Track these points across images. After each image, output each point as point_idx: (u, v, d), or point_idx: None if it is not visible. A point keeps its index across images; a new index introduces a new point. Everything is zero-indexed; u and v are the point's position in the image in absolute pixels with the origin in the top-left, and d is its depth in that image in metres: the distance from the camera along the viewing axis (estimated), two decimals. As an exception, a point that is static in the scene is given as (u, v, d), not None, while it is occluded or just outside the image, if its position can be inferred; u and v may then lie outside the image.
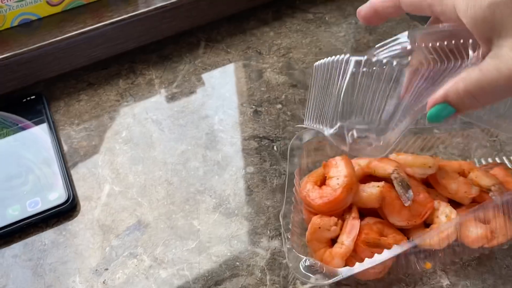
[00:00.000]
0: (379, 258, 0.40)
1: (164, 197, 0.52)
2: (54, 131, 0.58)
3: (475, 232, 0.43)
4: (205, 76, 0.66)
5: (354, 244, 0.42)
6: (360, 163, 0.47)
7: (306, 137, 0.50)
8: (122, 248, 0.48)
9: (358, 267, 0.39)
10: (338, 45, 0.69)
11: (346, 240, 0.42)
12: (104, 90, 0.65)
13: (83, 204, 0.52)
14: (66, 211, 0.50)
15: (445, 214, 0.44)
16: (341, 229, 0.43)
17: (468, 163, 0.49)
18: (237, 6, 0.72)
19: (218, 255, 0.47)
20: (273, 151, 0.56)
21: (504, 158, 0.53)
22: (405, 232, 0.44)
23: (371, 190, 0.44)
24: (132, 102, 0.63)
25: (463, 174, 0.48)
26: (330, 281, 0.39)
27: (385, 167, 0.45)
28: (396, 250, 0.40)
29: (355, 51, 0.68)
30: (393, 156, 0.48)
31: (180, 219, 0.50)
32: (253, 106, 0.61)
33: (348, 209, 0.45)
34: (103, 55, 0.65)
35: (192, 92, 0.64)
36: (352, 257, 0.42)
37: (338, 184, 0.43)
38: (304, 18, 0.75)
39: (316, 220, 0.43)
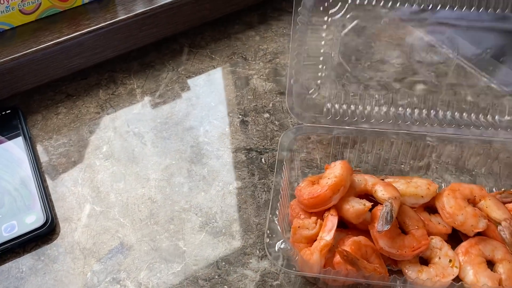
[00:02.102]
0: (349, 276, 0.40)
1: (148, 216, 0.49)
2: (31, 147, 0.55)
3: (482, 284, 0.40)
4: (189, 84, 0.64)
5: (335, 250, 0.41)
6: (368, 179, 0.46)
7: (299, 131, 0.50)
8: (104, 273, 0.45)
9: (323, 273, 0.40)
10: (326, 49, 0.66)
11: (326, 235, 0.42)
12: (83, 101, 0.62)
13: (62, 226, 0.49)
14: (45, 234, 0.48)
15: (448, 257, 0.42)
16: (320, 229, 0.43)
17: (480, 189, 0.46)
18: (221, 10, 0.70)
19: (205, 279, 0.45)
20: (261, 163, 0.54)
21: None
22: (396, 262, 0.43)
23: (356, 204, 0.43)
24: (113, 114, 0.60)
25: (473, 201, 0.45)
26: (293, 271, 0.40)
27: (384, 193, 0.44)
28: (369, 280, 0.40)
29: (344, 55, 0.66)
30: (390, 180, 0.47)
31: (164, 240, 0.48)
32: (240, 116, 0.59)
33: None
34: (82, 65, 0.63)
35: (175, 102, 0.61)
36: (330, 258, 0.42)
37: (327, 183, 0.44)
38: (291, 21, 0.72)
39: (296, 221, 0.44)
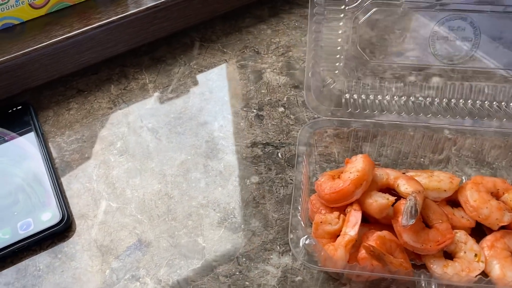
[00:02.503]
0: (375, 271, 0.39)
1: (165, 212, 0.49)
2: (44, 143, 0.54)
3: (509, 278, 0.40)
4: (201, 78, 0.63)
5: (360, 245, 0.41)
6: (390, 173, 0.45)
7: (316, 125, 0.50)
8: (123, 271, 0.45)
9: (349, 268, 0.40)
10: (342, 41, 0.66)
11: (350, 230, 0.41)
12: (95, 97, 0.61)
13: (78, 223, 0.48)
14: (61, 231, 0.47)
15: (474, 252, 0.41)
16: (343, 224, 0.43)
17: (503, 182, 0.46)
18: (231, 3, 0.69)
19: (226, 275, 0.44)
20: (277, 158, 0.53)
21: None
22: (420, 257, 0.43)
23: (379, 199, 0.43)
24: (125, 109, 0.59)
25: (496, 194, 0.45)
26: (318, 267, 0.40)
27: (407, 187, 0.43)
28: (395, 275, 0.39)
29: (359, 47, 0.65)
30: (412, 174, 0.46)
31: (183, 236, 0.47)
32: (254, 110, 0.58)
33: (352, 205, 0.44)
34: (93, 60, 0.62)
35: (188, 96, 0.61)
36: (353, 254, 0.42)
37: (349, 177, 0.43)
38: (302, 14, 0.71)
39: (318, 216, 0.43)
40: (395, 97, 0.52)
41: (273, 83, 0.61)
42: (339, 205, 0.44)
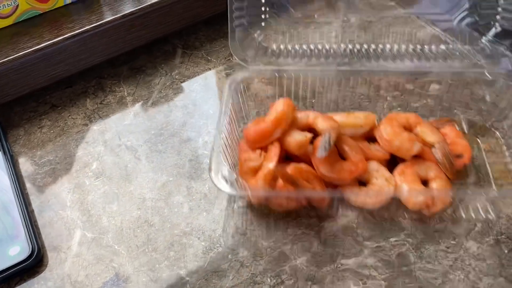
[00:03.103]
0: (291, 194, 0.43)
1: (145, 242, 0.45)
2: (13, 166, 0.50)
3: (416, 198, 0.44)
4: (184, 89, 0.59)
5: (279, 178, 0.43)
6: (310, 114, 0.48)
7: (244, 73, 0.51)
8: (99, 310, 0.41)
9: (268, 192, 0.43)
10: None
11: (269, 163, 0.44)
12: (69, 112, 0.57)
13: (50, 257, 0.44)
14: (31, 267, 0.43)
15: (385, 177, 0.45)
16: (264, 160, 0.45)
17: (416, 117, 0.49)
18: (215, 7, 0.64)
19: (212, 314, 0.40)
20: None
21: (462, 120, 0.53)
22: (338, 187, 0.45)
23: (297, 136, 0.46)
24: (102, 126, 0.55)
25: (409, 128, 0.48)
26: (237, 193, 0.43)
27: (323, 124, 0.46)
28: (310, 193, 0.44)
29: (350, 52, 0.61)
30: (330, 114, 0.49)
31: (164, 269, 0.43)
32: (241, 124, 0.54)
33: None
34: (66, 73, 0.57)
35: (170, 110, 0.56)
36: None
37: (270, 118, 0.46)
38: (291, 17, 0.67)
39: (243, 155, 0.46)
40: (318, 44, 0.54)
41: (261, 94, 0.57)
42: (261, 144, 0.46)
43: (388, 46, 0.53)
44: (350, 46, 0.54)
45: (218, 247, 0.44)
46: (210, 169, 0.42)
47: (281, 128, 0.46)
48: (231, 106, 0.48)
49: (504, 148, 0.50)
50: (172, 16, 0.61)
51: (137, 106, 0.57)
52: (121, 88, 0.59)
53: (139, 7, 0.58)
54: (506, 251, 0.43)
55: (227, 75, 0.59)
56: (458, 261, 0.42)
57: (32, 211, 0.47)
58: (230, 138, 0.47)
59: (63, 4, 0.58)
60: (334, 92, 0.54)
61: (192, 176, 0.50)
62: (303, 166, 0.44)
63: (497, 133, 0.52)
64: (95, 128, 0.55)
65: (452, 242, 0.44)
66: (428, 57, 0.52)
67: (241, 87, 0.51)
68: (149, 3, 0.58)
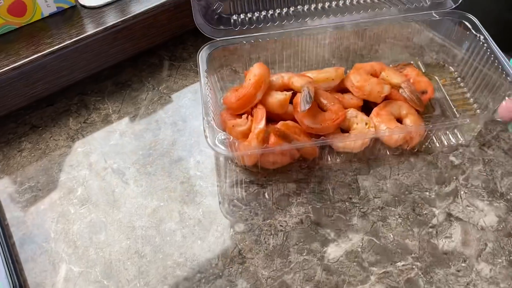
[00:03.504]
0: (284, 147, 0.45)
1: (136, 276, 0.42)
2: (-9, 195, 0.47)
3: (396, 136, 0.47)
4: (173, 105, 0.56)
5: (269, 141, 0.45)
6: (284, 75, 0.51)
7: (214, 46, 0.52)
8: None
9: (266, 148, 0.45)
10: (325, 55, 0.59)
11: (258, 124, 0.46)
12: (51, 133, 0.53)
13: (34, 295, 0.41)
14: (13, 308, 0.40)
15: (364, 121, 0.48)
16: (252, 122, 0.47)
17: (380, 64, 0.53)
18: (203, 16, 0.61)
19: None
20: (265, 199, 0.46)
21: (419, 63, 0.58)
22: (324, 137, 0.47)
23: (278, 96, 0.48)
24: (86, 147, 0.52)
25: (375, 74, 0.52)
26: (236, 154, 0.44)
27: (299, 81, 0.49)
28: (301, 144, 0.46)
29: (346, 60, 0.59)
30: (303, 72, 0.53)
31: (158, 305, 0.40)
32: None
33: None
34: (46, 91, 0.54)
35: (159, 128, 0.53)
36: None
37: (249, 83, 0.48)
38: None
39: (230, 122, 0.48)
40: (276, 9, 0.55)
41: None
42: (244, 109, 0.48)
43: (340, 1, 0.56)
44: (302, 7, 0.56)
45: (215, 278, 0.41)
46: (206, 136, 0.43)
47: (261, 90, 0.48)
48: (208, 77, 0.49)
49: (459, 79, 0.55)
50: (157, 28, 0.58)
51: (123, 124, 0.54)
52: (105, 105, 0.56)
53: (121, 19, 0.54)
54: (519, 273, 0.40)
55: (219, 88, 0.56)
56: (470, 286, 0.40)
57: (13, 244, 0.44)
58: (213, 112, 0.47)
59: (40, 18, 0.55)
60: (298, 52, 0.56)
61: (184, 200, 0.47)
62: (289, 122, 0.47)
63: (451, 68, 0.57)
64: (79, 149, 0.51)
65: (463, 264, 0.41)
66: (377, 6, 0.55)
67: (212, 60, 0.52)
68: (132, 14, 0.55)
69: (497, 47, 0.50)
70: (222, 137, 0.43)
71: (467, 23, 0.53)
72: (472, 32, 0.52)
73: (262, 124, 0.46)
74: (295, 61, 0.57)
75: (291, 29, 0.54)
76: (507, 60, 0.48)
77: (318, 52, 0.57)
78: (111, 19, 0.55)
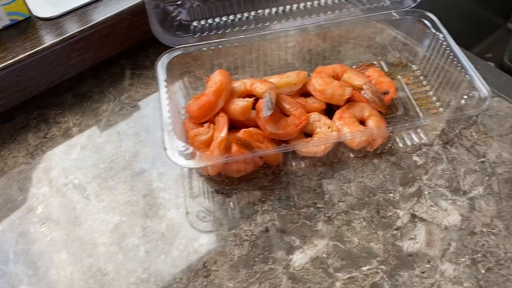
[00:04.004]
0: (247, 156, 0.44)
1: (99, 295, 0.41)
2: None
3: (358, 139, 0.47)
4: (135, 115, 0.55)
5: (231, 149, 0.45)
6: (246, 82, 0.50)
7: (173, 54, 0.51)
8: None
9: (227, 158, 0.43)
10: (289, 59, 0.58)
11: (220, 133, 0.46)
12: (9, 150, 0.52)
13: (-7, 320, 0.40)
14: (-30, 335, 0.39)
15: (327, 125, 0.48)
16: (214, 131, 0.47)
17: (341, 66, 0.53)
18: (164, 22, 0.60)
19: None
20: (229, 208, 0.46)
21: (382, 62, 0.58)
22: (287, 142, 0.47)
23: (240, 103, 0.48)
24: (47, 163, 0.50)
25: (337, 77, 0.52)
26: (196, 165, 0.43)
27: (261, 87, 0.48)
28: (264, 152, 0.45)
29: (309, 63, 0.58)
30: (265, 78, 0.52)
31: (122, 324, 0.39)
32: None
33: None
34: (3, 107, 0.52)
35: (120, 139, 0.52)
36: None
37: (210, 91, 0.48)
38: None
39: (192, 131, 0.47)
40: (237, 14, 0.55)
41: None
42: (207, 117, 0.48)
43: (301, 4, 0.56)
44: (262, 11, 0.56)
45: (179, 293, 0.41)
46: (164, 148, 0.42)
47: (223, 98, 0.48)
48: (168, 89, 0.48)
49: (422, 78, 0.55)
50: (116, 36, 0.57)
51: (84, 137, 0.53)
52: (66, 118, 0.54)
53: (79, 30, 0.53)
54: (483, 271, 0.41)
55: (183, 95, 0.55)
56: (435, 287, 0.40)
57: (-29, 268, 0.43)
58: (173, 122, 0.46)
59: (-7, 31, 0.53)
60: (261, 57, 0.56)
61: (147, 214, 0.46)
62: (252, 129, 0.46)
63: (413, 66, 0.57)
64: (39, 166, 0.50)
65: (427, 265, 0.41)
66: (337, 8, 0.56)
67: (172, 68, 0.51)
68: (89, 24, 0.54)
69: (456, 45, 0.50)
70: (182, 148, 0.42)
71: (426, 22, 0.53)
72: (432, 31, 0.52)
73: (223, 132, 0.46)
74: (259, 65, 0.57)
75: (254, 33, 0.54)
76: (465, 58, 0.48)
77: (281, 56, 0.57)
78: (68, 29, 0.53)
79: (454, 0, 0.85)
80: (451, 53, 0.50)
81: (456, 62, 0.49)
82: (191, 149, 0.42)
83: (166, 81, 0.49)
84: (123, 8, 0.55)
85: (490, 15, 1.09)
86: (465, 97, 0.46)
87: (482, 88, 0.46)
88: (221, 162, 0.44)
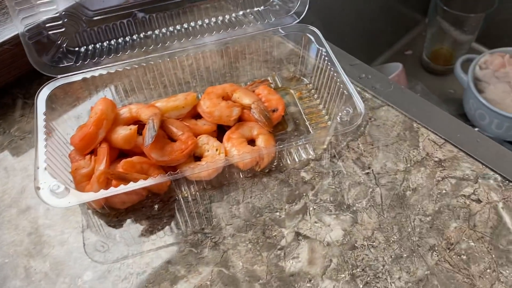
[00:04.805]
0: (124, 187, 0.42)
1: None
2: None
3: (245, 160, 0.47)
4: (25, 148, 0.53)
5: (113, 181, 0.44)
6: (132, 108, 0.50)
7: (55, 85, 0.50)
8: None
9: (104, 193, 0.41)
10: (186, 78, 0.58)
11: (99, 166, 0.45)
12: None
13: None
14: None
15: (215, 148, 0.48)
16: (95, 163, 0.46)
17: (231, 85, 0.53)
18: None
19: None
20: (116, 242, 0.45)
21: (276, 77, 0.59)
22: (176, 167, 0.47)
23: (122, 131, 0.47)
24: None
25: (227, 97, 0.52)
26: (67, 204, 0.40)
27: (146, 113, 0.48)
28: (144, 182, 0.42)
29: (206, 81, 0.58)
30: (152, 102, 0.51)
31: None
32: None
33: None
34: None
35: (7, 176, 0.51)
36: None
37: (90, 121, 0.47)
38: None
39: (73, 165, 0.46)
40: (119, 39, 0.55)
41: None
42: (90, 148, 0.47)
43: (199, 22, 0.56)
44: (160, 30, 0.56)
45: (58, 336, 0.40)
46: (37, 188, 0.41)
47: (103, 128, 0.47)
48: (48, 122, 0.47)
49: (313, 91, 0.56)
50: (4, 65, 0.55)
51: (-30, 175, 0.51)
52: (-49, 157, 0.52)
53: (-44, 63, 0.51)
54: (361, 286, 0.42)
55: (76, 125, 0.54)
56: (313, 306, 0.41)
57: None
58: (59, 154, 0.46)
59: None
60: (157, 77, 0.55)
61: (31, 254, 0.45)
62: (134, 159, 0.46)
63: (305, 79, 0.58)
64: None
65: (308, 285, 0.42)
66: (238, 24, 0.56)
67: (57, 98, 0.50)
68: (-33, 58, 0.52)
69: (336, 60, 0.51)
70: (53, 187, 0.41)
71: (310, 36, 0.54)
72: (315, 45, 0.53)
73: (102, 165, 0.45)
74: (155, 86, 0.57)
75: (153, 54, 0.53)
76: (343, 72, 0.49)
77: (178, 75, 0.57)
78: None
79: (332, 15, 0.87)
80: (331, 68, 0.50)
81: (335, 77, 0.50)
82: (62, 187, 0.41)
83: (44, 114, 0.47)
84: (4, 39, 0.54)
85: (408, 12, 1.11)
86: (344, 112, 0.47)
87: (358, 104, 0.47)
88: (94, 198, 0.42)
